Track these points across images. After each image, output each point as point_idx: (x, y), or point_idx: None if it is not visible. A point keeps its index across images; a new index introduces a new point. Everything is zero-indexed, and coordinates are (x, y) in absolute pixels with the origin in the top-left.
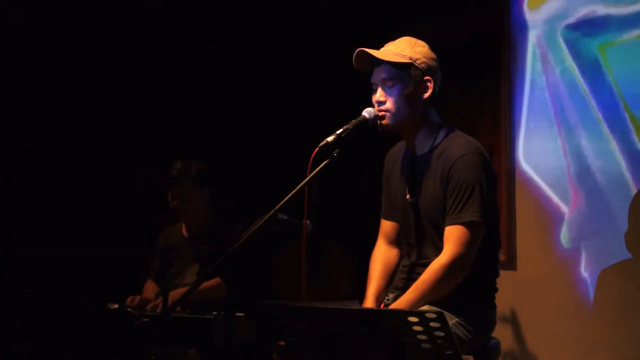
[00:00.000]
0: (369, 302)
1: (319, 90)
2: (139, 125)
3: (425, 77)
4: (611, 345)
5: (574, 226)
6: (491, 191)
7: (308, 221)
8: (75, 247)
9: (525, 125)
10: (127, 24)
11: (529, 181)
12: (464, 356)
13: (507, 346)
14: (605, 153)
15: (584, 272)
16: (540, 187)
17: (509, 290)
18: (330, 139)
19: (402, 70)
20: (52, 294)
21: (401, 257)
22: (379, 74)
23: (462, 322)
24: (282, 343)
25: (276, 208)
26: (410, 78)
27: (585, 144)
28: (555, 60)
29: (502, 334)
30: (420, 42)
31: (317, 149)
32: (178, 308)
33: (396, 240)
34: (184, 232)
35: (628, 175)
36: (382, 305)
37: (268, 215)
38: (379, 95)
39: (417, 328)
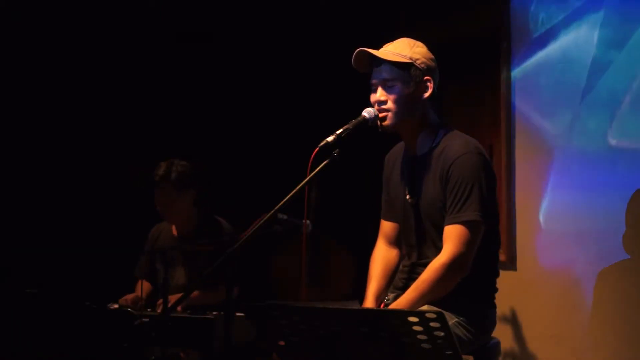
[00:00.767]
0: (369, 302)
1: (319, 90)
2: (139, 125)
3: (425, 77)
4: (611, 345)
5: (574, 226)
6: (490, 190)
7: (308, 221)
8: (76, 247)
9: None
10: (127, 24)
11: (528, 181)
12: (464, 356)
13: (507, 346)
14: (604, 153)
15: (584, 272)
16: (540, 187)
17: (509, 290)
18: (330, 139)
19: (402, 70)
20: (52, 294)
21: (401, 257)
22: (379, 74)
23: (462, 322)
24: (282, 343)
25: (276, 208)
26: (410, 78)
27: (585, 143)
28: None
29: (502, 334)
30: (419, 43)
31: (317, 149)
32: (179, 308)
33: (396, 241)
34: (174, 232)
35: (628, 175)
36: (382, 305)
37: (268, 215)
38: (379, 95)
39: (417, 328)
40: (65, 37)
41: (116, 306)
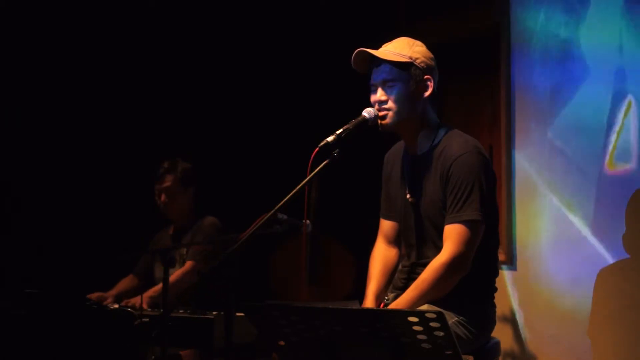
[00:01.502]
0: (369, 302)
1: (319, 91)
2: (139, 125)
3: (425, 76)
4: (610, 345)
5: (573, 226)
6: (490, 190)
7: (308, 221)
8: (76, 247)
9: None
10: (127, 23)
11: (528, 181)
12: (464, 356)
13: (507, 346)
14: (604, 152)
15: (584, 271)
16: (540, 187)
17: (509, 290)
18: (330, 139)
19: (402, 70)
20: (52, 293)
21: (400, 256)
22: (379, 74)
23: (462, 321)
24: (282, 343)
25: (276, 208)
26: (410, 77)
27: (585, 143)
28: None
29: (502, 334)
30: (418, 42)
31: (317, 149)
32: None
33: (395, 240)
34: (170, 231)
35: (627, 175)
36: (381, 305)
37: (268, 215)
38: (379, 95)
39: (417, 328)
40: (66, 38)
41: (116, 306)
